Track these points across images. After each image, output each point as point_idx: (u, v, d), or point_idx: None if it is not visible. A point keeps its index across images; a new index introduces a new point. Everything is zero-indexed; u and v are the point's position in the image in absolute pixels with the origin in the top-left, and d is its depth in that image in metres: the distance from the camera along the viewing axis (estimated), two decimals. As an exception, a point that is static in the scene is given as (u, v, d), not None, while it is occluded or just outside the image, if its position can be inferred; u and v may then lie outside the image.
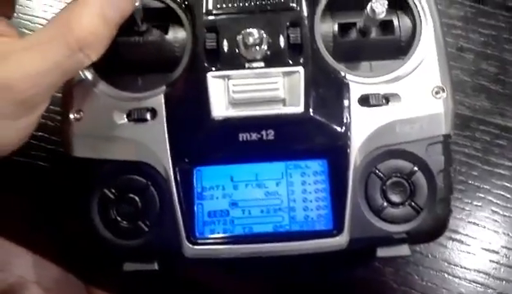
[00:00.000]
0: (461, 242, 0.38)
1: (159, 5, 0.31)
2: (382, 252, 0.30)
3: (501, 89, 0.42)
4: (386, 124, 0.30)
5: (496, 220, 0.38)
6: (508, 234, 0.38)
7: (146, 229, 0.30)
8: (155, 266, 0.30)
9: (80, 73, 0.30)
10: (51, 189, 0.37)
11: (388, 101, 0.30)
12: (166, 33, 0.32)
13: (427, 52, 0.31)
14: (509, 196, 0.39)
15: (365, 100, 0.30)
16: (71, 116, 0.30)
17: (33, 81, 0.25)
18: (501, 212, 0.38)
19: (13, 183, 0.37)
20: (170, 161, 0.29)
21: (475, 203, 0.39)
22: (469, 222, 0.38)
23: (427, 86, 0.30)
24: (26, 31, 0.43)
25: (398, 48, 0.31)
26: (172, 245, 0.29)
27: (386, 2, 0.28)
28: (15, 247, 0.32)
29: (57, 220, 0.36)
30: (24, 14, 0.43)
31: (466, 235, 0.38)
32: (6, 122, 0.25)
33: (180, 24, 0.31)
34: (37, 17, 0.44)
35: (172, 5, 0.31)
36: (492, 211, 0.38)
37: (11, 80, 0.24)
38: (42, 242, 0.32)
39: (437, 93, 0.30)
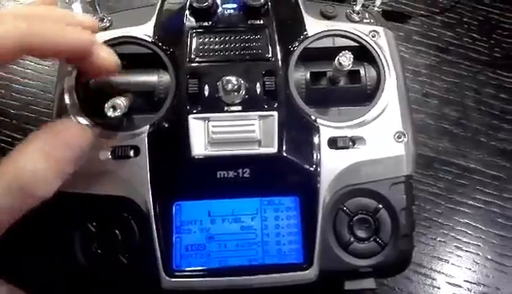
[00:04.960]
0: (426, 275, 0.39)
1: (145, 51, 0.34)
2: (349, 285, 0.32)
3: (463, 132, 0.45)
4: (352, 165, 0.32)
5: (458, 256, 0.40)
6: (470, 269, 0.40)
7: (125, 261, 0.30)
8: (133, 298, 0.31)
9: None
10: (34, 221, 0.38)
11: (354, 144, 0.32)
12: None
13: (390, 100, 0.33)
14: (470, 233, 0.41)
15: (333, 143, 0.32)
16: (58, 152, 0.31)
17: None
18: (464, 248, 0.40)
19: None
20: (151, 196, 0.30)
21: (439, 239, 0.41)
22: (433, 257, 0.40)
23: (390, 131, 0.33)
24: None
25: (364, 96, 0.34)
26: (149, 277, 0.30)
27: (352, 57, 0.31)
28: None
29: (39, 252, 0.36)
30: None
31: (431, 269, 0.40)
32: None
33: (164, 68, 0.33)
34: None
35: (158, 51, 0.33)
36: (456, 246, 0.40)
37: None
38: (23, 273, 0.33)
39: (399, 137, 0.33)
